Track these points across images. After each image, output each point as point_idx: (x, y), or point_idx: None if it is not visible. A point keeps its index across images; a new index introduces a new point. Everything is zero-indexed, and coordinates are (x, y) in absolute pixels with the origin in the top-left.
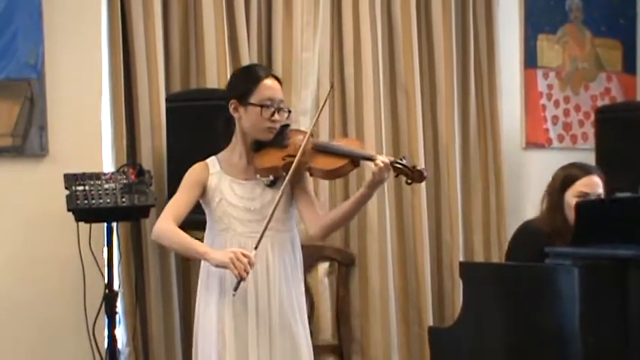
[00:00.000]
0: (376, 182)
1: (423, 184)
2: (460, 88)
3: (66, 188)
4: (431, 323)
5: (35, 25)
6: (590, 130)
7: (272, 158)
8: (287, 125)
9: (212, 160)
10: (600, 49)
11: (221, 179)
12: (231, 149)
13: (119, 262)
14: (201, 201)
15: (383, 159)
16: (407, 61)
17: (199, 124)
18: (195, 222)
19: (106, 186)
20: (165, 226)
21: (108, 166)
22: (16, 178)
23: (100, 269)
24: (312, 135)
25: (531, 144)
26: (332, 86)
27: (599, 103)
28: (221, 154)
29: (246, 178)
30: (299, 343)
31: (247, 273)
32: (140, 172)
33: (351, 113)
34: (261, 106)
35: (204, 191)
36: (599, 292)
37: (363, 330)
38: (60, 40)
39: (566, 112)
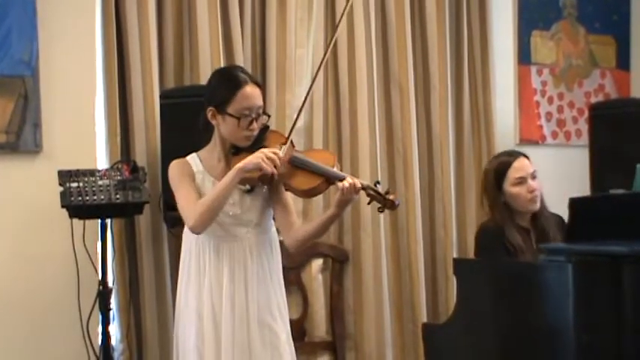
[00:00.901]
0: (343, 202)
1: (417, 180)
2: (454, 84)
3: (60, 185)
4: (425, 320)
5: (29, 22)
6: (584, 127)
7: None
8: (266, 128)
9: (193, 158)
10: (594, 45)
11: (204, 179)
12: (210, 150)
13: (113, 259)
14: None
15: (352, 181)
16: (401, 58)
17: (193, 120)
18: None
19: (100, 182)
20: (195, 208)
21: (102, 162)
22: (10, 175)
23: (94, 266)
24: (286, 144)
25: (525, 140)
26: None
27: (593, 100)
28: (201, 153)
29: None
30: (279, 342)
31: (277, 168)
32: (134, 169)
33: (345, 109)
34: (239, 117)
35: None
36: (592, 288)
37: (356, 326)
38: (54, 36)
39: (560, 109)
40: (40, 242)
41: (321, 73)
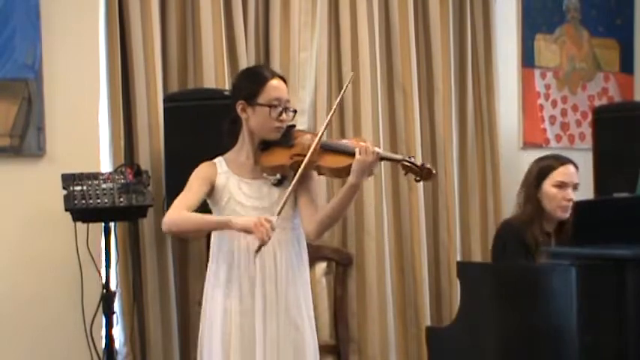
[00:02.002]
0: (359, 166)
1: (420, 183)
2: (457, 88)
3: (64, 188)
4: (428, 323)
5: (33, 25)
6: (587, 130)
7: (279, 157)
8: (293, 125)
9: (219, 160)
10: (598, 49)
11: (229, 179)
12: (237, 150)
13: (117, 262)
14: (208, 200)
15: (373, 147)
16: (404, 61)
17: (197, 124)
18: None
19: (104, 186)
20: (177, 213)
21: (105, 166)
22: (13, 178)
23: (97, 269)
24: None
25: (529, 144)
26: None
27: (597, 103)
28: (227, 155)
29: (253, 178)
30: (305, 341)
31: (269, 237)
32: (138, 172)
33: (349, 112)
34: (270, 106)
35: (212, 189)
36: (596, 291)
37: (360, 330)
38: (57, 40)
39: (564, 112)
40: (43, 245)
41: (324, 77)
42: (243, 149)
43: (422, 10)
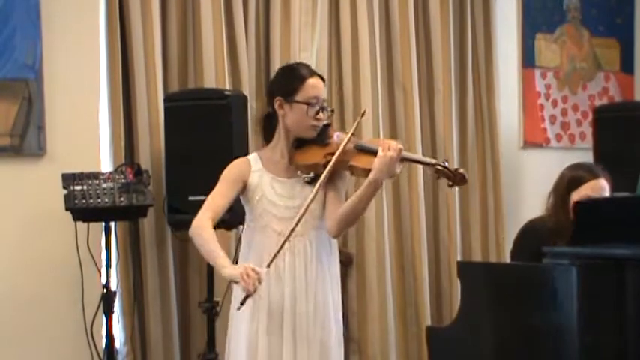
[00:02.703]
0: (382, 166)
1: (421, 182)
2: (458, 87)
3: (64, 188)
4: (429, 322)
5: (33, 25)
6: (588, 130)
7: (314, 156)
8: (329, 124)
9: (254, 157)
10: (598, 48)
11: (262, 177)
12: (272, 147)
13: (117, 262)
14: (241, 198)
15: (398, 145)
16: (405, 60)
17: (197, 123)
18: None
19: (104, 186)
20: (200, 228)
21: (106, 165)
22: (14, 178)
23: (98, 268)
24: (353, 135)
25: (529, 143)
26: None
27: (597, 103)
28: (262, 152)
29: (287, 177)
30: (330, 341)
31: (255, 289)
32: (138, 172)
33: (349, 111)
34: (307, 104)
35: (244, 188)
36: (597, 291)
37: (360, 329)
38: (58, 39)
39: (564, 112)
40: (44, 245)
41: (325, 76)
42: (277, 147)
43: (422, 9)
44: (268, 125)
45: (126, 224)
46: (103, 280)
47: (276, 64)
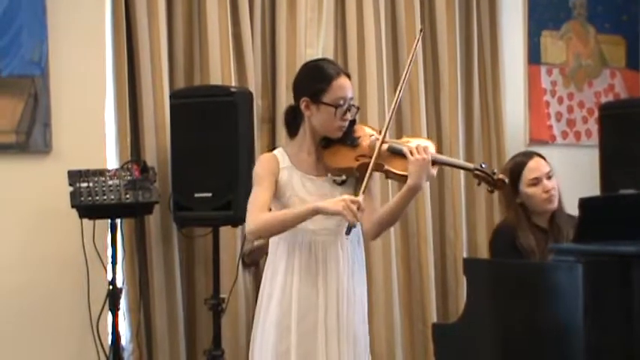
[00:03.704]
0: (416, 170)
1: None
2: (464, 84)
3: (70, 185)
4: (435, 320)
5: (39, 22)
6: (593, 127)
7: (345, 158)
8: (354, 121)
9: (281, 153)
10: (604, 45)
11: (292, 174)
12: (298, 144)
13: (123, 259)
14: None
15: (424, 145)
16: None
17: (203, 120)
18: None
19: (110, 182)
20: (261, 217)
21: (112, 162)
22: (20, 175)
23: (103, 265)
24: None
25: (535, 140)
26: (421, 30)
27: (603, 100)
28: (289, 148)
29: (317, 175)
30: (359, 340)
31: (357, 219)
32: (144, 169)
33: None
34: (336, 106)
35: (276, 183)
36: (602, 288)
37: None
38: (64, 36)
39: (570, 109)
40: (49, 242)
41: None
42: (304, 145)
43: (428, 5)
44: (293, 120)
45: (132, 221)
46: (109, 277)
47: (282, 61)
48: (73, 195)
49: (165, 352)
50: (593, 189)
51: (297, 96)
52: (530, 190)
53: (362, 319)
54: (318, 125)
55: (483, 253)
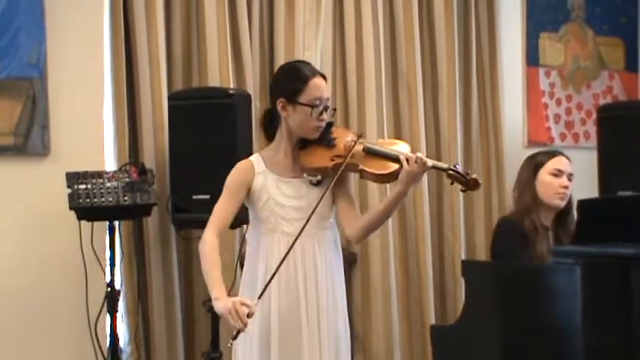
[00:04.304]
0: (407, 177)
1: (425, 181)
2: (462, 86)
3: (68, 187)
4: (433, 321)
5: (37, 24)
6: (592, 129)
7: (320, 158)
8: (331, 123)
9: (256, 158)
10: (602, 47)
11: (267, 178)
12: (275, 147)
13: (121, 261)
14: (245, 201)
15: (420, 155)
16: (409, 60)
17: (201, 122)
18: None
19: (108, 184)
20: (204, 248)
21: (110, 164)
22: (18, 177)
23: (102, 267)
24: (360, 136)
25: (533, 142)
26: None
27: (601, 102)
28: (264, 152)
29: (293, 177)
30: (341, 342)
31: (245, 324)
32: (142, 171)
33: (354, 111)
34: (311, 106)
35: (249, 192)
36: (601, 290)
37: (365, 328)
38: (62, 38)
39: (568, 111)
40: (48, 244)
41: (329, 75)
42: (281, 147)
43: (426, 8)
44: (270, 123)
45: (130, 223)
46: (107, 279)
47: (280, 63)
48: (71, 197)
49: (164, 354)
50: (592, 191)
51: (273, 97)
52: (549, 179)
53: (343, 321)
54: (295, 126)
55: (482, 254)
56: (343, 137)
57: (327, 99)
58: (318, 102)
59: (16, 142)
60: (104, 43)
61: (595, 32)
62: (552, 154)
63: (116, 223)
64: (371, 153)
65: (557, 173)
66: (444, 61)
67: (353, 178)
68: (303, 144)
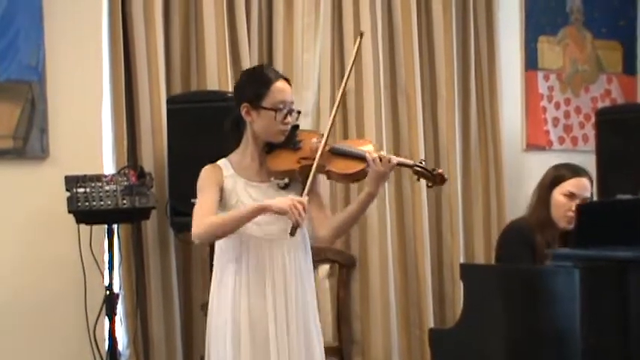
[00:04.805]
0: (375, 176)
1: (424, 185)
2: (461, 90)
3: (67, 190)
4: (432, 325)
5: (36, 27)
6: (590, 132)
7: (287, 161)
8: (297, 126)
9: (223, 163)
10: (601, 50)
11: (236, 182)
12: (242, 151)
13: (120, 264)
14: None
15: (384, 153)
16: (407, 64)
17: (200, 126)
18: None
19: (107, 188)
20: (207, 221)
21: (109, 168)
22: (17, 181)
23: (100, 271)
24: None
25: (532, 146)
26: (362, 34)
27: (600, 105)
28: (232, 156)
29: (260, 181)
30: (313, 344)
31: (303, 219)
32: (141, 174)
33: (352, 116)
34: (275, 109)
35: (221, 193)
36: (599, 293)
37: (363, 332)
38: (61, 42)
39: (567, 114)
40: (46, 247)
41: (328, 78)
42: (247, 151)
43: (425, 13)
44: (236, 128)
45: (128, 227)
46: (106, 282)
47: (279, 66)
48: (70, 200)
49: (162, 358)
50: None
51: (237, 102)
52: (561, 200)
53: (314, 320)
54: (260, 130)
55: (480, 258)
56: (309, 139)
57: (292, 102)
58: (281, 105)
59: (15, 146)
60: (103, 47)
61: (593, 35)
62: (576, 172)
63: (115, 226)
64: (337, 153)
65: (571, 196)
66: (443, 65)
67: (322, 179)
68: (269, 148)
